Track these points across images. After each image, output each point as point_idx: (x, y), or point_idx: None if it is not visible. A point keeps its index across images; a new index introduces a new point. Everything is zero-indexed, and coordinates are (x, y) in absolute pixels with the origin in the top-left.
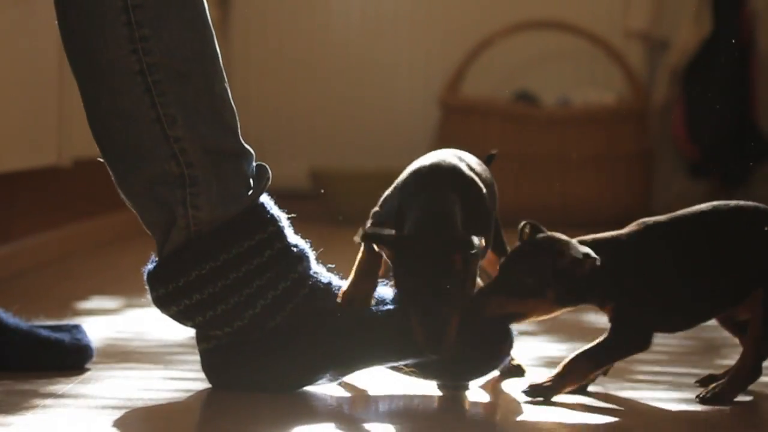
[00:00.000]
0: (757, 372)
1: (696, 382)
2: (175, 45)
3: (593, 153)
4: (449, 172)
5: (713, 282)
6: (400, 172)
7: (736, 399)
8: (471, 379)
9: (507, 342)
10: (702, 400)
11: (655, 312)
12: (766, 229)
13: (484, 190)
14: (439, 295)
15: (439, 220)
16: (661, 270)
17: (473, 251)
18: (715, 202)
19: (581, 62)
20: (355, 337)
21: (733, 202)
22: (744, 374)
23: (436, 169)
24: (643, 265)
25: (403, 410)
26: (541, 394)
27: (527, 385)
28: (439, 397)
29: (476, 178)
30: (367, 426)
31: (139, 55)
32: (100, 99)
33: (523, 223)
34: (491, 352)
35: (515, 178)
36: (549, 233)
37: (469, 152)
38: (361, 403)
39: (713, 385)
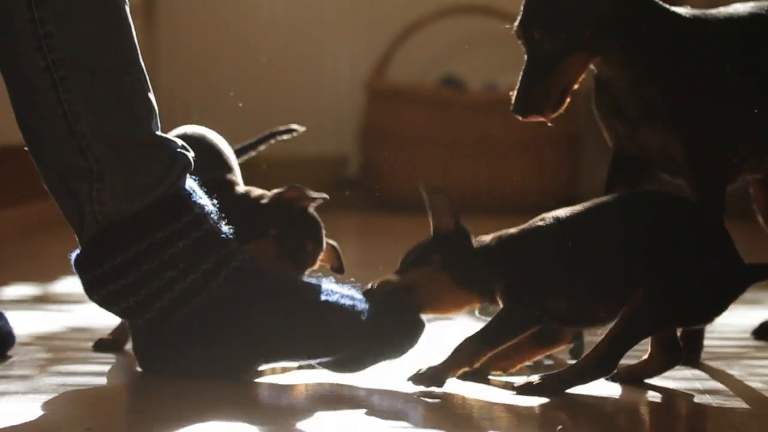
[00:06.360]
0: (607, 367)
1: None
2: (81, 40)
3: (520, 138)
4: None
5: (597, 277)
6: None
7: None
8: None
9: (416, 328)
10: (518, 389)
11: (542, 292)
12: (650, 220)
13: None
14: None
15: None
16: (547, 260)
17: None
18: (617, 194)
19: (507, 47)
20: (278, 330)
21: (629, 193)
22: (586, 366)
23: None
24: (530, 254)
25: (328, 393)
26: (428, 380)
27: (414, 372)
28: (372, 383)
29: None
30: (293, 410)
31: (44, 52)
32: (17, 94)
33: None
34: (400, 339)
35: (442, 163)
36: None
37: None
38: (289, 390)
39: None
